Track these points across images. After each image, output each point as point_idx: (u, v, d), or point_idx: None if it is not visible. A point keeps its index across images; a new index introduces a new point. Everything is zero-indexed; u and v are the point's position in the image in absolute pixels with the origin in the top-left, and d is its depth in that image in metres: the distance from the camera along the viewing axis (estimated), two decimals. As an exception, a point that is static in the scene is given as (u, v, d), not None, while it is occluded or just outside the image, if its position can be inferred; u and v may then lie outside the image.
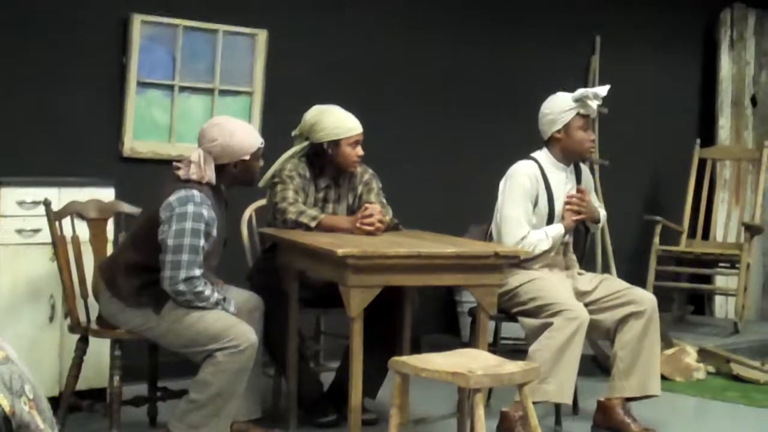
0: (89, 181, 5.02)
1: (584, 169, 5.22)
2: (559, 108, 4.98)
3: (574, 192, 5.06)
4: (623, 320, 4.87)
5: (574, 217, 5.02)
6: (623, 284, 5.01)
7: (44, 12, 5.35)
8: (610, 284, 5.01)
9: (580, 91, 4.98)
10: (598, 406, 4.94)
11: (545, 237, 4.93)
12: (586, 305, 4.84)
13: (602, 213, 5.24)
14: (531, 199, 4.94)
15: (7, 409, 1.80)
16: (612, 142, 7.34)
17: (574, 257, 5.14)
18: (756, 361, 6.43)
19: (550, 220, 4.98)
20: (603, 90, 5.00)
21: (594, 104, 4.96)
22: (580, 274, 5.08)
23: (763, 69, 8.40)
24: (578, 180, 5.14)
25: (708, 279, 7.85)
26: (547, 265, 4.98)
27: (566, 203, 5.01)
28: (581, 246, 5.21)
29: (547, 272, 4.95)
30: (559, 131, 4.98)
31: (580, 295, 4.91)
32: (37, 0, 5.34)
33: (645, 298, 4.91)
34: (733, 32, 8.19)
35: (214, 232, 4.27)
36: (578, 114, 4.96)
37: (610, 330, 4.91)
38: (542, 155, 5.03)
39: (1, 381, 1.83)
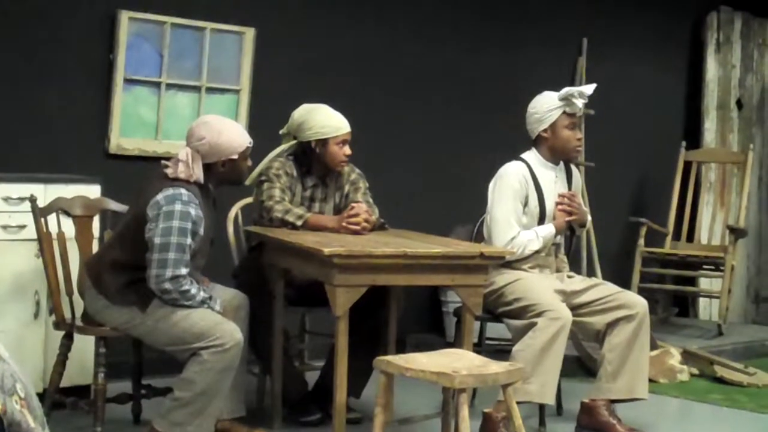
0: (75, 178, 5.01)
1: (575, 171, 5.23)
2: (545, 107, 4.99)
3: (564, 191, 5.07)
4: (613, 323, 4.87)
5: (567, 218, 5.02)
6: (615, 288, 5.00)
7: (31, 8, 5.34)
8: (602, 288, 5.00)
9: (566, 90, 4.98)
10: (582, 407, 4.94)
11: (535, 237, 4.93)
12: (576, 307, 4.86)
13: (588, 216, 5.25)
14: (521, 200, 4.94)
15: (-2, 407, 1.80)
16: (598, 143, 7.35)
17: (565, 259, 5.14)
18: (739, 364, 6.46)
19: (542, 219, 4.98)
20: (589, 89, 5.00)
21: (580, 102, 4.96)
22: (570, 276, 5.09)
23: (749, 72, 8.42)
24: (569, 180, 5.15)
25: (692, 281, 7.87)
26: (538, 266, 4.98)
27: (557, 204, 5.02)
28: (566, 248, 5.22)
29: (537, 273, 4.96)
30: (545, 130, 4.99)
31: (568, 295, 4.91)
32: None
33: (636, 303, 4.91)
34: (720, 35, 8.22)
35: (201, 231, 4.26)
36: (564, 113, 4.96)
37: (600, 332, 4.91)
38: (531, 155, 5.04)
39: (-8, 379, 1.82)
